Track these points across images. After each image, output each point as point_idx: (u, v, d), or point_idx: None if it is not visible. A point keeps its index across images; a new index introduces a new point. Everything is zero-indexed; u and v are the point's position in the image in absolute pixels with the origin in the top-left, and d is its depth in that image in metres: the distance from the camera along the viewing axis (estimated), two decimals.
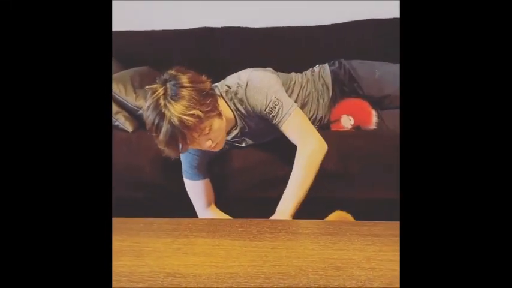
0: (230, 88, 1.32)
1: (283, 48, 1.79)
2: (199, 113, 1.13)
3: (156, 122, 1.15)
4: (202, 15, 1.91)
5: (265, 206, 1.29)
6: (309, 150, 1.26)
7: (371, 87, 1.45)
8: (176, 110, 1.12)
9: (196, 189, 1.41)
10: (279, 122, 1.27)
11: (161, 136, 1.15)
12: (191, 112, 1.12)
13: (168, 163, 1.43)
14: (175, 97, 1.14)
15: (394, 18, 1.73)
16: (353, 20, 1.78)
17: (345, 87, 1.48)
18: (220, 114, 1.23)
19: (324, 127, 1.46)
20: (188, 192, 1.42)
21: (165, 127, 1.13)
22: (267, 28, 1.84)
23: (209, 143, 1.21)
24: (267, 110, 1.27)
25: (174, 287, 1.00)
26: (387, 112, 1.42)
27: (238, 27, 1.85)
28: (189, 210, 1.43)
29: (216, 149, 1.26)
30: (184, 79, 1.17)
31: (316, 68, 1.55)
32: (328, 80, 1.49)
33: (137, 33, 1.85)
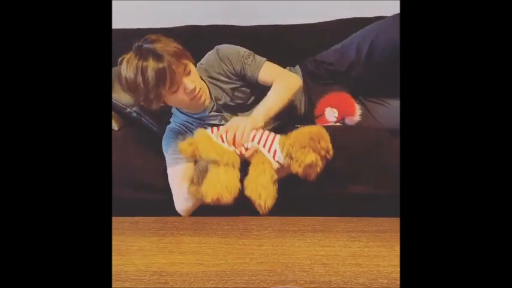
0: (202, 64, 1.36)
1: (269, 47, 1.79)
2: (177, 44, 1.22)
3: (140, 66, 1.17)
4: (189, 13, 1.90)
5: (252, 204, 1.29)
6: (288, 79, 1.33)
7: (332, 55, 1.49)
8: (157, 46, 1.18)
9: (181, 173, 1.32)
10: (255, 70, 1.31)
11: (149, 72, 1.16)
12: (171, 45, 1.21)
13: (154, 161, 1.42)
14: (151, 43, 1.20)
15: (378, 17, 1.74)
16: (341, 18, 1.79)
17: (314, 70, 1.51)
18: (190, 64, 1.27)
19: (308, 122, 1.45)
20: (171, 180, 1.34)
21: (151, 64, 1.16)
22: (253, 26, 1.84)
23: (193, 85, 1.23)
24: (242, 58, 1.32)
25: (161, 286, 1.00)
26: (372, 104, 1.42)
27: (225, 25, 1.85)
28: (175, 209, 1.42)
29: (200, 98, 1.27)
30: (150, 36, 1.23)
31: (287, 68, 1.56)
32: (299, 72, 1.51)
33: (124, 31, 1.83)
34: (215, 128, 1.22)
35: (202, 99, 1.29)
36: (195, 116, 1.37)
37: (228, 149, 1.17)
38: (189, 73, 1.24)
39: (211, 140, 1.17)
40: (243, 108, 1.39)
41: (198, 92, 1.26)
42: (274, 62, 1.43)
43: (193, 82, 1.25)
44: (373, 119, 1.40)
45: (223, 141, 1.18)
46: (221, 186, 1.12)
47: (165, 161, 1.36)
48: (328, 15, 1.80)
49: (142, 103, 1.28)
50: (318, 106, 1.43)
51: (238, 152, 1.18)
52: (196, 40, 1.74)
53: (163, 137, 1.38)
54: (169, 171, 1.34)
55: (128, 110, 1.42)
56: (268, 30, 1.82)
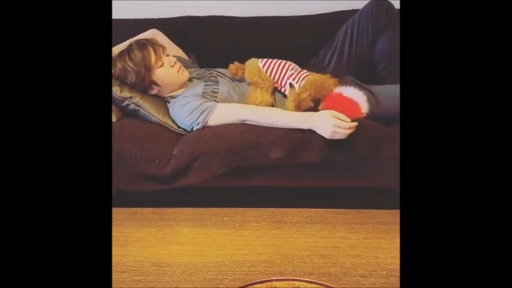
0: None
1: (266, 37, 1.78)
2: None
3: (125, 51, 1.31)
4: (187, 3, 1.89)
5: (250, 195, 1.29)
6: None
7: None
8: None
9: (227, 108, 1.30)
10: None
11: (135, 51, 1.30)
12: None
13: (152, 152, 1.41)
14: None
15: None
16: (342, 9, 1.78)
17: None
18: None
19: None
20: (223, 118, 1.29)
21: (134, 47, 1.31)
22: (251, 17, 1.83)
23: (174, 59, 1.35)
24: None
25: (160, 277, 1.00)
26: (380, 87, 1.36)
27: (223, 16, 1.83)
28: (173, 199, 1.42)
29: (183, 70, 1.36)
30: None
31: None
32: None
33: (121, 22, 1.82)
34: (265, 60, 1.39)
35: (185, 72, 1.39)
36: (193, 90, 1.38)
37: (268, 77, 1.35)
38: (168, 54, 1.37)
39: (258, 67, 1.36)
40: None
41: (180, 67, 1.35)
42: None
43: (174, 61, 1.38)
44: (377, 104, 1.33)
45: (266, 71, 1.36)
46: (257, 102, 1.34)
47: (162, 150, 1.34)
48: (329, 6, 1.79)
49: (137, 86, 1.35)
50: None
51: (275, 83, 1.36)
52: (194, 31, 1.73)
53: (177, 112, 1.34)
54: (212, 119, 1.28)
55: (126, 102, 1.41)
56: (267, 21, 1.81)
